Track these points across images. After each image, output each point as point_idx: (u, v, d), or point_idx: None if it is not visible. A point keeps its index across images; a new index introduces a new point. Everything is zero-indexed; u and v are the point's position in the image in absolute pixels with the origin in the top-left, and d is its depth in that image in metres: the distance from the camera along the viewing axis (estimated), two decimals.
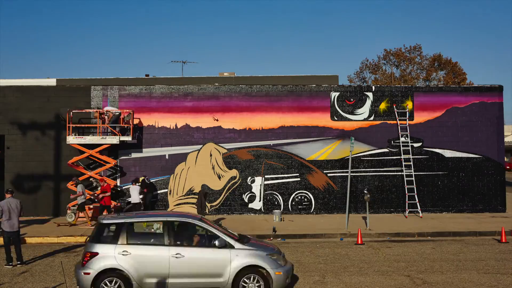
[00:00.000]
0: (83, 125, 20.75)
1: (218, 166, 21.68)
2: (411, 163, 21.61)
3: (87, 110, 20.91)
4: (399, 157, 21.90)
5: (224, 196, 21.61)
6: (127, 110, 20.75)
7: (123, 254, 9.97)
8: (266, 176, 21.68)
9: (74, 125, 20.39)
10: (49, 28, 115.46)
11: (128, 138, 20.24)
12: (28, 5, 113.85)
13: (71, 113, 20.34)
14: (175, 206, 21.42)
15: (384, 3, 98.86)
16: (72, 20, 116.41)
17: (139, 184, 19.49)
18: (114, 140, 19.94)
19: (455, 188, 22.14)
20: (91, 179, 20.54)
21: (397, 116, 21.98)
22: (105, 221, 10.50)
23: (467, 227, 18.13)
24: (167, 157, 21.51)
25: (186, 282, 10.02)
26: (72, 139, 19.96)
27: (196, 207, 20.83)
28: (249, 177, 21.66)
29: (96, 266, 9.86)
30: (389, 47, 64.38)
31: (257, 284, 10.03)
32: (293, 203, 21.72)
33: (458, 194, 22.14)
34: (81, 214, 19.30)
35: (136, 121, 21.08)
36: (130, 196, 19.57)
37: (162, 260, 9.98)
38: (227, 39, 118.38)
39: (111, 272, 9.91)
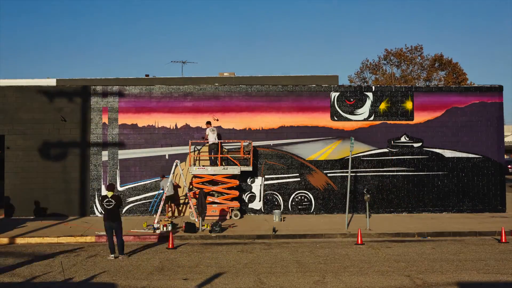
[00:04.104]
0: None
1: None
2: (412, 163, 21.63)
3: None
4: (399, 157, 21.92)
5: None
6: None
7: None
8: (266, 176, 21.68)
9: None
10: (49, 27, 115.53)
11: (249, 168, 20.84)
12: (27, 5, 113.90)
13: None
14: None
15: (385, 3, 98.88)
16: (72, 20, 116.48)
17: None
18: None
19: (455, 188, 22.13)
20: None
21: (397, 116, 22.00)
22: None
23: (467, 227, 18.11)
24: (167, 157, 21.50)
25: None
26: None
27: (196, 207, 20.90)
28: (249, 177, 21.65)
29: None
30: (390, 47, 64.12)
31: None
32: (293, 203, 21.71)
33: (458, 194, 22.13)
34: None
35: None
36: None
37: None
38: (227, 39, 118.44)
39: None
